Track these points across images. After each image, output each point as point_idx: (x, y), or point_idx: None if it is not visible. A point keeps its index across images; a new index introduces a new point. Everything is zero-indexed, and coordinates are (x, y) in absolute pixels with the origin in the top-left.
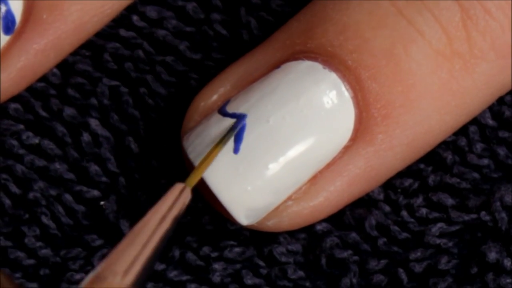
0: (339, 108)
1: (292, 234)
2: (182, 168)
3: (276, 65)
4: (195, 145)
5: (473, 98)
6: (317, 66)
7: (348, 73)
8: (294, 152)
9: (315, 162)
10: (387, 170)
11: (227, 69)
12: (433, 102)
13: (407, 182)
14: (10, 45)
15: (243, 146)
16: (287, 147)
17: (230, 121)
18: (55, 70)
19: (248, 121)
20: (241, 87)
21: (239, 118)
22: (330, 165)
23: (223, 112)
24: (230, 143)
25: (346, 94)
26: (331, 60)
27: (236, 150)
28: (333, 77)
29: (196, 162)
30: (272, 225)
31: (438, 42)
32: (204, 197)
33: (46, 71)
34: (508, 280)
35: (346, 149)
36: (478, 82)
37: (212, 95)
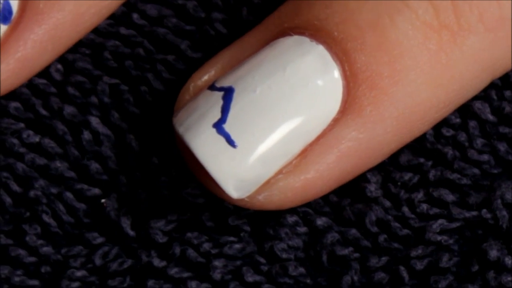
0: (326, 78)
1: (293, 229)
2: (184, 166)
3: (266, 44)
4: (183, 119)
5: (463, 72)
6: (304, 39)
7: (335, 45)
8: (281, 121)
9: (304, 133)
10: (379, 145)
11: (219, 53)
12: (422, 74)
13: (407, 176)
14: (7, 36)
15: (230, 116)
16: (273, 116)
17: (217, 94)
18: (56, 67)
19: (235, 92)
20: (231, 67)
21: (227, 90)
22: (319, 138)
23: (212, 88)
24: (218, 113)
25: (333, 65)
26: (318, 33)
27: (223, 120)
28: (320, 49)
29: (185, 135)
30: (263, 199)
31: (425, 13)
32: (195, 175)
33: (45, 64)
34: (509, 278)
35: (336, 122)
36: (467, 55)
37: (203, 76)
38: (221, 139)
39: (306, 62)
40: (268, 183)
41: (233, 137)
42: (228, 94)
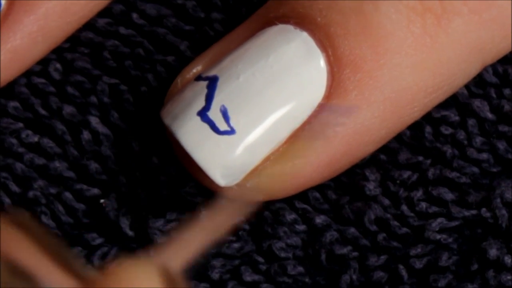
0: (310, 64)
1: (291, 227)
2: (183, 166)
3: (253, 35)
4: (170, 110)
5: (449, 55)
6: (288, 27)
7: (318, 31)
8: (266, 108)
9: (290, 119)
10: (367, 131)
11: (207, 49)
12: (407, 57)
13: (406, 174)
14: None
15: (214, 103)
16: (258, 102)
17: (202, 84)
18: (55, 66)
19: (219, 81)
20: (218, 60)
21: (211, 79)
22: (306, 124)
23: (198, 78)
24: (202, 101)
25: (317, 50)
26: (302, 20)
27: (207, 108)
28: (303, 35)
29: (171, 125)
30: (252, 186)
31: None
32: (187, 168)
33: (37, 56)
34: (509, 277)
35: (321, 107)
36: (453, 37)
37: (191, 70)
38: (206, 127)
39: (290, 49)
40: (255, 170)
41: (217, 124)
42: (212, 82)
